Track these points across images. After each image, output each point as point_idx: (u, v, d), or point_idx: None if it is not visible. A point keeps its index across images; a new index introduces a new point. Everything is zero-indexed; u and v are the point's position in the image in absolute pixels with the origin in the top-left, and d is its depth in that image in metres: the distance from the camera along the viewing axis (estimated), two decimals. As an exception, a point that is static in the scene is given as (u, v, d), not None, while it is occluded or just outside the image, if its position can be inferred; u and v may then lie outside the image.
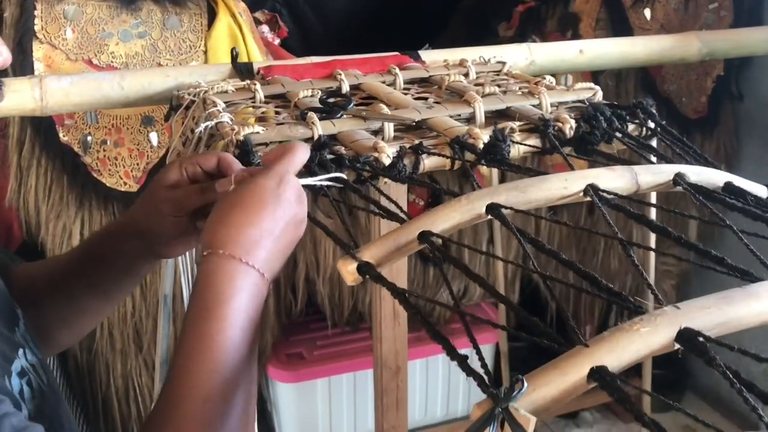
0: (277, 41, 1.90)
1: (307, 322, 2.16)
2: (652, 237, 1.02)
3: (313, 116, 0.89)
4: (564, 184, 0.65)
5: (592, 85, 1.02)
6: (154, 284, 1.65)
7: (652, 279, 0.81)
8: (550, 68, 1.47)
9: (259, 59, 1.62)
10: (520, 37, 2.02)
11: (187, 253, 1.21)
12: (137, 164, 1.61)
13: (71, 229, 1.58)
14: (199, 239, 0.72)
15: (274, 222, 0.64)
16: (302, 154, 0.70)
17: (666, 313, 0.44)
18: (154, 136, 1.62)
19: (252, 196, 0.64)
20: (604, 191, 0.65)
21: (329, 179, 0.74)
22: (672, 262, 2.33)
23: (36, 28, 1.48)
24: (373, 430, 1.41)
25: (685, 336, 0.43)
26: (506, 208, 0.62)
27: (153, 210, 0.73)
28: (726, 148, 2.14)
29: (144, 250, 0.77)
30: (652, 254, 0.90)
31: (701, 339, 0.43)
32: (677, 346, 0.44)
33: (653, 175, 0.68)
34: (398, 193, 1.05)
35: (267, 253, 0.63)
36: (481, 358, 0.53)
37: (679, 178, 0.68)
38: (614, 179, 0.67)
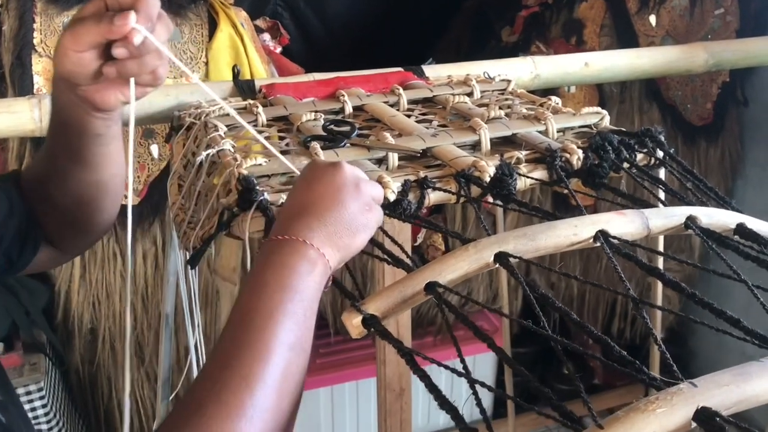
0: (278, 49, 1.88)
1: (309, 329, 2.15)
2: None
3: (316, 147, 0.88)
4: (573, 231, 0.64)
5: (599, 109, 1.00)
6: (156, 297, 1.64)
7: (658, 332, 0.80)
8: (555, 81, 1.46)
9: (260, 70, 1.60)
10: (523, 42, 2.00)
11: (189, 274, 1.20)
12: (138, 177, 1.59)
13: (72, 243, 1.57)
14: (115, 85, 0.69)
15: (350, 218, 0.64)
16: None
17: (682, 391, 0.43)
18: (155, 149, 1.60)
19: (332, 191, 0.64)
20: (614, 237, 0.64)
21: None
22: (677, 268, 2.32)
23: (35, 41, 1.47)
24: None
25: (702, 416, 0.42)
26: (515, 257, 0.61)
27: (60, 49, 0.68)
28: (731, 155, 2.12)
29: (75, 100, 0.72)
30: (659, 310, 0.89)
31: (719, 419, 0.42)
32: (694, 425, 0.43)
33: (664, 218, 0.67)
34: (402, 227, 1.03)
35: (344, 251, 0.64)
36: (479, 404, 0.52)
37: (690, 222, 0.67)
38: (625, 224, 0.65)
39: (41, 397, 1.54)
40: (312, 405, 2.03)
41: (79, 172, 0.80)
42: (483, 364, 2.19)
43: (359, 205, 0.65)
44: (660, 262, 0.94)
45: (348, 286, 0.65)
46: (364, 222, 0.66)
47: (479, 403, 0.47)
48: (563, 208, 1.95)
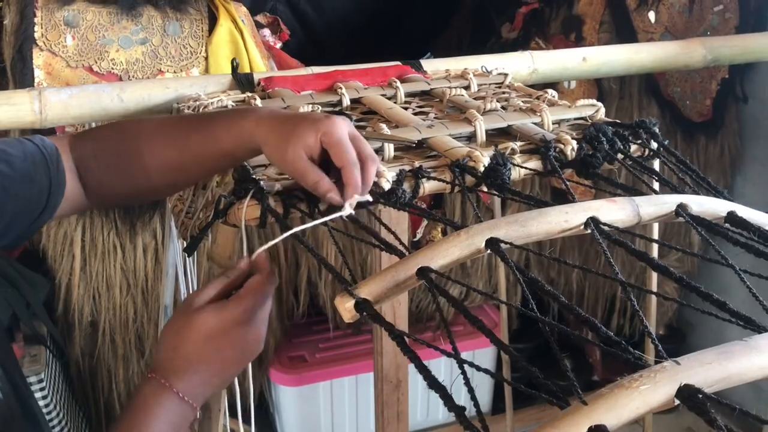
0: (279, 45, 1.89)
1: (309, 324, 2.16)
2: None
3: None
4: (565, 218, 0.64)
5: (594, 101, 1.01)
6: (156, 290, 1.65)
7: (653, 323, 0.80)
8: (553, 76, 1.46)
9: (260, 65, 1.61)
10: (523, 39, 2.01)
11: (188, 264, 1.21)
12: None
13: (72, 236, 1.58)
14: None
15: (226, 365, 0.69)
16: (270, 291, 0.72)
17: (666, 369, 0.44)
18: (155, 143, 1.61)
19: (214, 334, 0.68)
20: (605, 224, 0.64)
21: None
22: (676, 264, 2.33)
23: (36, 35, 1.48)
24: (375, 435, 1.41)
25: (685, 393, 0.43)
26: (506, 243, 0.62)
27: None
28: (730, 151, 2.12)
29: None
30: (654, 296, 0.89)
31: (701, 396, 0.42)
32: (677, 402, 0.43)
33: (655, 206, 0.67)
34: (399, 218, 1.04)
35: (209, 389, 0.69)
36: (468, 384, 0.52)
37: (681, 209, 0.67)
38: (615, 211, 0.66)
39: (41, 389, 1.55)
40: (311, 399, 2.03)
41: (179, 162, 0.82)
42: (483, 359, 2.20)
43: (233, 353, 0.69)
44: (655, 253, 0.95)
45: (343, 273, 0.66)
46: (239, 359, 0.70)
47: (467, 383, 0.48)
48: (562, 203, 1.96)
